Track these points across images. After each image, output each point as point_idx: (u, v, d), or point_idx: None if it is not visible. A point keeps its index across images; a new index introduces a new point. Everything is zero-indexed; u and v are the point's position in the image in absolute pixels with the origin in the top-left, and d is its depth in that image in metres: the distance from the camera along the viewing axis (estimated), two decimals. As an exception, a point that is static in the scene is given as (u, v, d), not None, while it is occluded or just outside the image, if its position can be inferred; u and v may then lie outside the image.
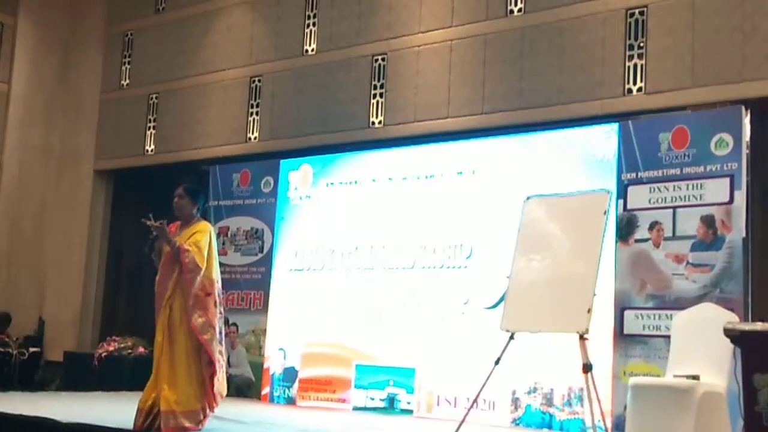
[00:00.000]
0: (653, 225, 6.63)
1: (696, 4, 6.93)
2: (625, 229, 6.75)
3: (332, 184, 8.76)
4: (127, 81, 11.21)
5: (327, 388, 8.29)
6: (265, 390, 8.73)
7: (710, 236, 6.34)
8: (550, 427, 6.83)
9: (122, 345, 9.85)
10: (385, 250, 8.19)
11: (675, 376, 5.12)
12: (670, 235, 6.55)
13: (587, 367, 5.40)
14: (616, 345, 6.62)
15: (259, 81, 9.78)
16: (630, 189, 6.79)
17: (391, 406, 7.81)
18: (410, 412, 7.67)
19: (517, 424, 6.99)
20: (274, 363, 8.75)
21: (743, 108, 6.47)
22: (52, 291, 11.34)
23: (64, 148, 11.60)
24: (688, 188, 6.52)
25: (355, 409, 8.00)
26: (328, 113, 9.06)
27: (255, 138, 9.71)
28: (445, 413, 7.39)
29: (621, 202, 6.78)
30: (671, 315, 6.09)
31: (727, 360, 4.97)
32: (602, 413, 5.67)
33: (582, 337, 5.45)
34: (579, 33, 7.52)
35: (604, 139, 7.04)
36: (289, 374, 8.61)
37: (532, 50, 7.76)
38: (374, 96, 8.78)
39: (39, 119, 11.48)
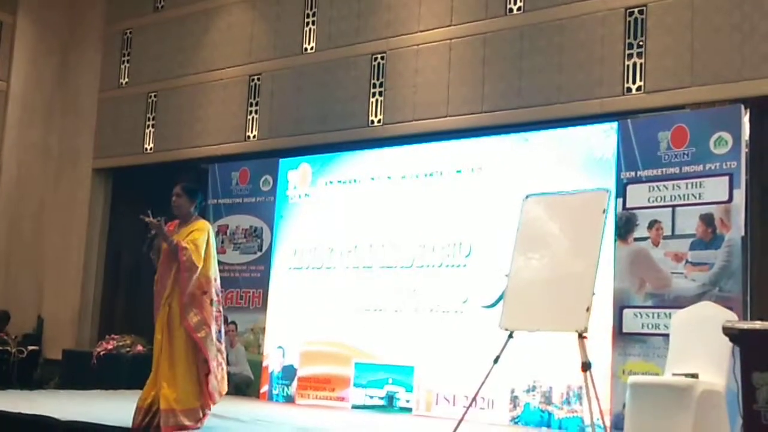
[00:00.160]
0: (652, 224, 6.63)
1: (695, 3, 6.93)
2: (624, 227, 6.75)
3: (331, 182, 8.76)
4: (126, 79, 11.21)
5: (326, 387, 8.29)
6: (264, 388, 8.73)
7: (709, 235, 6.34)
8: (548, 425, 6.84)
9: (121, 343, 9.85)
10: (384, 249, 8.19)
11: (674, 374, 5.12)
12: (669, 233, 6.55)
13: (586, 366, 5.40)
14: (615, 343, 6.63)
15: (259, 79, 9.77)
16: (629, 188, 6.79)
17: (390, 404, 7.81)
18: (409, 410, 7.68)
19: (516, 423, 7.00)
20: (273, 361, 8.76)
21: (742, 107, 6.46)
22: (51, 289, 11.34)
23: (63, 147, 11.59)
24: (687, 187, 6.52)
25: (354, 407, 8.00)
26: (327, 112, 9.06)
27: (254, 136, 9.71)
28: (444, 411, 7.39)
29: (620, 200, 6.78)
30: (670, 313, 6.09)
31: (726, 358, 4.98)
32: (601, 412, 5.67)
33: (581, 336, 5.45)
34: (578, 32, 7.52)
35: (604, 137, 7.04)
36: (288, 372, 8.61)
37: (532, 49, 7.77)
38: (373, 95, 8.78)
39: (38, 118, 11.47)
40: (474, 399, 6.01)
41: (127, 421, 5.50)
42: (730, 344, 3.97)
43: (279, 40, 9.65)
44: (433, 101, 8.31)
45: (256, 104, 9.75)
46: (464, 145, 7.97)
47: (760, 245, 6.56)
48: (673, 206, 6.57)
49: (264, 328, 8.87)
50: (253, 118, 9.75)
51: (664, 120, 6.81)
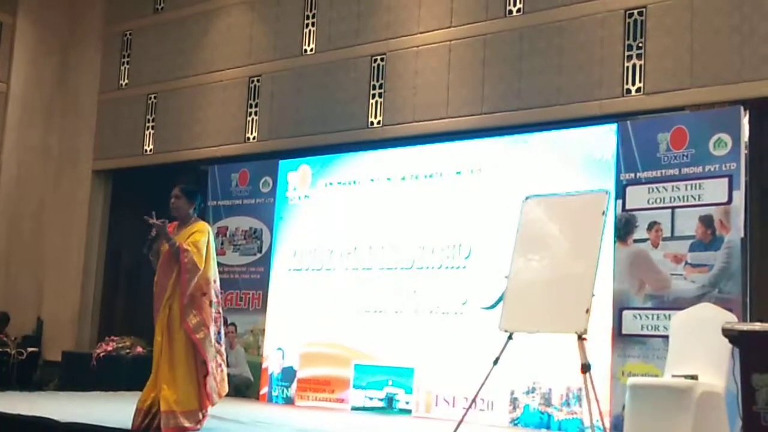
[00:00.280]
0: (652, 225, 6.63)
1: (695, 5, 6.93)
2: (624, 229, 6.75)
3: (331, 184, 8.76)
4: (126, 81, 11.21)
5: (325, 388, 8.29)
6: (264, 390, 8.72)
7: (709, 236, 6.34)
8: (548, 427, 6.83)
9: (120, 345, 9.85)
10: (384, 250, 8.19)
11: (673, 376, 5.12)
12: (669, 235, 6.55)
13: (586, 367, 5.40)
14: (614, 345, 6.62)
15: (258, 81, 9.78)
16: (629, 189, 6.79)
17: (389, 406, 7.81)
18: (409, 412, 7.67)
19: (516, 424, 6.99)
20: (272, 363, 8.75)
21: (742, 108, 6.46)
22: (50, 291, 11.34)
23: (63, 148, 11.60)
24: (686, 188, 6.52)
25: (354, 409, 8.00)
26: (327, 113, 9.06)
27: (254, 138, 9.71)
28: (443, 413, 7.38)
29: (620, 202, 6.78)
30: (670, 315, 6.10)
31: (726, 360, 4.98)
32: (600, 413, 5.67)
33: (580, 337, 5.45)
34: (578, 33, 7.52)
35: (603, 139, 7.04)
36: (288, 374, 8.61)
37: (531, 50, 7.77)
38: (373, 96, 8.78)
39: (38, 119, 11.47)
40: (474, 400, 6.01)
41: (126, 422, 5.50)
42: (730, 346, 3.98)
43: (279, 42, 9.66)
44: (432, 103, 8.31)
45: (256, 106, 9.75)
46: (464, 146, 7.97)
47: (760, 247, 6.56)
48: (673, 208, 6.57)
49: (264, 330, 8.87)
50: (252, 119, 9.75)
51: (663, 121, 6.81)
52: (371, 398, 7.94)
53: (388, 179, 8.33)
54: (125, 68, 11.24)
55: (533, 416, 6.93)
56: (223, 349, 5.79)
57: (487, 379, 5.72)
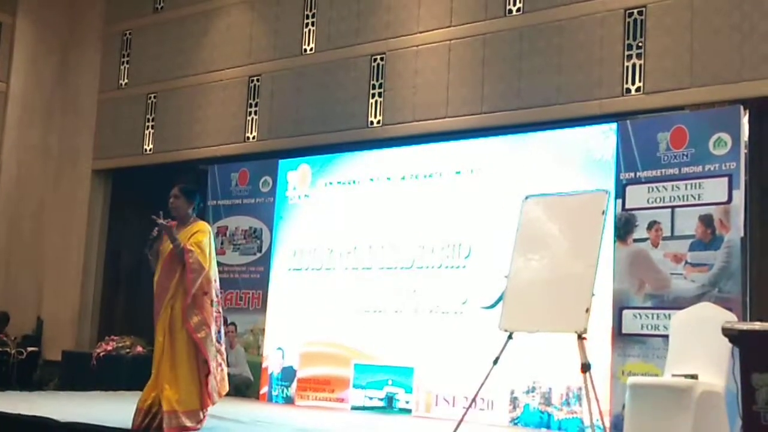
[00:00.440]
0: (651, 225, 6.63)
1: (695, 4, 6.93)
2: (624, 228, 6.75)
3: (331, 183, 8.76)
4: (126, 80, 11.21)
5: (325, 388, 8.29)
6: (264, 389, 8.73)
7: (709, 236, 6.34)
8: (548, 426, 6.84)
9: (120, 344, 9.85)
10: (384, 250, 8.19)
11: (673, 375, 5.12)
12: (669, 234, 6.55)
13: (585, 367, 5.40)
14: (614, 344, 6.63)
15: (258, 80, 9.77)
16: (628, 189, 6.79)
17: (389, 405, 7.81)
18: (409, 411, 7.67)
19: (516, 424, 7.00)
20: (272, 362, 8.75)
21: (742, 108, 6.46)
22: (50, 290, 11.34)
23: (63, 148, 11.59)
24: (686, 188, 6.52)
25: (354, 408, 8.00)
26: (326, 113, 9.06)
27: (254, 137, 9.71)
28: (443, 413, 7.39)
29: (619, 201, 6.78)
30: (669, 314, 6.10)
31: (726, 359, 4.98)
32: (600, 413, 5.68)
33: (580, 337, 5.45)
34: (577, 33, 7.52)
35: (603, 138, 7.04)
36: (288, 374, 8.61)
37: (531, 50, 7.77)
38: (373, 95, 8.78)
39: (37, 119, 11.47)
40: (473, 400, 6.01)
41: (127, 422, 5.50)
42: (730, 345, 3.98)
43: (278, 41, 9.65)
44: (432, 102, 8.31)
45: (256, 105, 9.75)
46: (463, 145, 7.97)
47: (760, 246, 6.56)
48: (673, 207, 6.57)
49: (263, 330, 8.87)
50: (252, 119, 9.75)
51: (663, 121, 6.81)
52: (371, 398, 7.95)
53: (388, 179, 8.33)
54: (125, 68, 11.24)
55: (533, 416, 6.93)
56: (223, 348, 5.80)
57: (487, 378, 5.72)
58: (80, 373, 9.68)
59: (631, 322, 6.59)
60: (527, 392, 6.99)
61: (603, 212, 5.81)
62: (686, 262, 6.41)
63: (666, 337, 5.89)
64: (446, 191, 7.91)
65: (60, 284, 11.24)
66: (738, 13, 6.71)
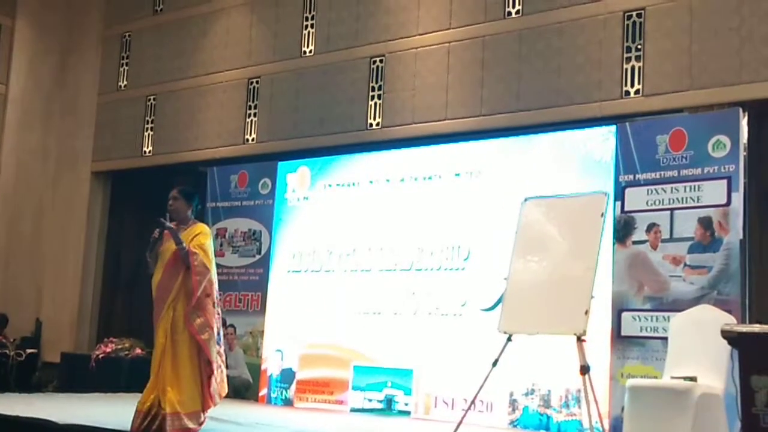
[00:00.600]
0: (651, 227, 6.63)
1: (694, 7, 6.94)
2: (623, 230, 6.75)
3: (330, 185, 8.76)
4: (125, 82, 11.21)
5: (324, 390, 8.29)
6: (263, 391, 8.72)
7: (708, 238, 6.34)
8: (547, 428, 6.83)
9: (119, 346, 9.84)
10: (383, 252, 8.19)
11: (672, 377, 5.13)
12: (668, 236, 6.55)
13: (585, 369, 5.40)
14: (613, 347, 6.63)
15: (257, 82, 9.78)
16: (627, 191, 6.80)
17: (388, 407, 7.81)
18: (408, 413, 7.67)
19: (515, 426, 6.99)
20: (271, 364, 8.75)
21: (741, 110, 6.47)
22: (49, 292, 11.33)
23: (62, 150, 11.59)
24: (685, 190, 6.52)
25: (353, 410, 8.00)
26: (326, 115, 9.07)
27: (253, 139, 9.71)
28: (442, 415, 7.38)
29: (618, 204, 6.78)
30: (669, 317, 6.11)
31: (725, 362, 4.99)
32: (600, 415, 5.67)
33: (579, 339, 5.45)
34: (577, 35, 7.53)
35: (602, 141, 7.05)
36: (287, 376, 8.61)
37: (530, 52, 7.77)
38: (372, 98, 8.78)
39: (37, 121, 11.47)
40: (473, 402, 6.01)
41: (126, 424, 5.50)
42: (729, 347, 3.98)
43: (278, 43, 9.66)
44: (431, 104, 8.32)
45: (255, 107, 9.75)
46: (463, 148, 7.97)
47: (759, 248, 6.57)
48: (672, 209, 6.57)
49: (263, 332, 8.87)
50: (251, 121, 9.75)
51: (662, 123, 6.82)
52: (370, 400, 7.94)
53: (387, 181, 8.33)
54: (124, 70, 11.24)
55: (532, 418, 6.93)
56: (222, 350, 5.81)
57: (487, 380, 5.73)
58: (79, 375, 9.68)
59: (630, 325, 6.59)
60: (526, 394, 6.99)
61: (602, 214, 5.82)
62: (685, 265, 6.41)
63: (665, 339, 5.89)
64: (445, 193, 7.91)
65: (59, 286, 11.24)
66: (737, 15, 6.72)
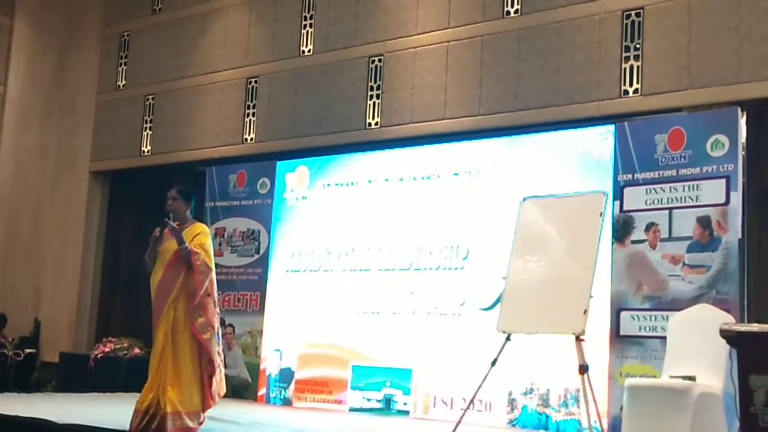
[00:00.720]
0: (649, 226, 6.63)
1: (692, 6, 6.94)
2: (621, 230, 6.76)
3: (329, 185, 8.76)
4: (124, 82, 11.20)
5: (323, 389, 8.29)
6: (262, 391, 8.72)
7: (706, 237, 6.34)
8: (546, 428, 6.84)
9: (118, 346, 9.84)
10: (382, 252, 8.19)
11: (671, 377, 5.13)
12: (667, 236, 6.55)
13: (583, 368, 5.40)
14: (612, 346, 6.63)
15: (256, 82, 9.77)
16: (626, 190, 6.80)
17: (387, 407, 7.81)
18: (407, 413, 7.67)
19: (514, 425, 6.99)
20: (270, 364, 8.75)
21: (739, 109, 6.47)
22: (48, 292, 11.33)
23: (61, 150, 11.58)
24: (684, 189, 6.52)
25: (352, 410, 8.00)
26: (324, 114, 9.06)
27: (251, 139, 9.70)
28: (441, 414, 7.39)
29: (617, 203, 6.78)
30: (667, 316, 6.11)
31: (723, 361, 4.99)
32: (598, 414, 5.68)
33: (578, 338, 5.46)
34: (575, 34, 7.53)
35: (601, 140, 7.05)
36: (286, 375, 8.60)
37: (529, 52, 7.77)
38: (371, 97, 8.78)
39: (35, 120, 11.46)
40: (471, 401, 6.01)
41: (124, 424, 5.50)
42: (728, 347, 3.98)
43: (276, 43, 9.65)
44: (430, 104, 8.31)
45: (254, 107, 9.75)
46: (461, 147, 7.97)
47: (757, 247, 6.57)
48: (670, 209, 6.57)
49: (261, 331, 8.86)
50: (250, 120, 9.75)
51: (661, 123, 6.82)
52: (369, 399, 7.94)
53: (386, 180, 8.33)
54: (123, 69, 11.24)
55: (531, 417, 6.93)
56: (220, 349, 5.81)
57: (485, 380, 5.73)
58: (78, 375, 9.67)
59: (629, 324, 6.59)
60: (525, 394, 6.99)
61: (601, 214, 5.82)
62: (684, 264, 6.42)
63: (664, 338, 5.90)
64: (444, 193, 7.91)
65: (58, 286, 11.23)
66: (735, 15, 6.72)
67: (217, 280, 5.91)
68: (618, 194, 6.80)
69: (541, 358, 6.74)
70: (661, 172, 6.66)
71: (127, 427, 5.45)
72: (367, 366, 8.03)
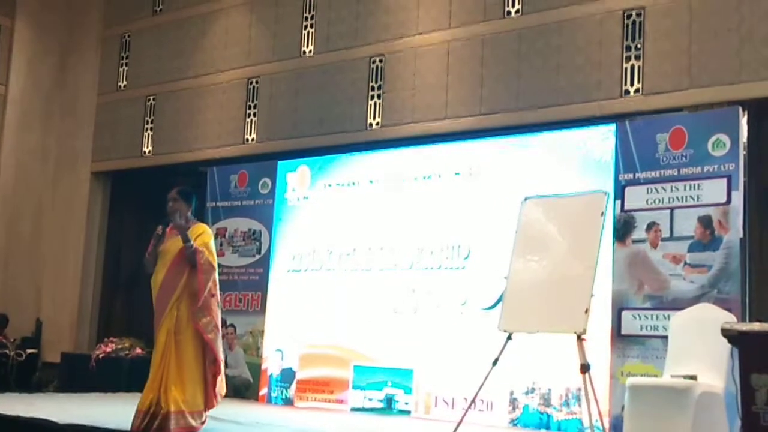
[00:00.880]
0: (651, 226, 6.63)
1: (693, 6, 6.94)
2: (623, 229, 6.76)
3: (330, 185, 8.77)
4: (125, 83, 11.21)
5: (325, 389, 8.29)
6: (263, 391, 8.72)
7: (708, 237, 6.34)
8: (547, 427, 6.84)
9: (119, 346, 9.85)
10: (383, 252, 8.19)
11: (672, 376, 5.13)
12: (668, 235, 6.55)
13: (585, 368, 5.40)
14: (613, 345, 6.63)
15: (257, 82, 9.78)
16: (627, 190, 6.80)
17: (388, 406, 7.81)
18: (408, 412, 7.67)
19: (515, 425, 7.00)
20: (271, 364, 8.75)
21: (740, 109, 6.47)
22: (49, 292, 11.34)
23: (62, 150, 11.59)
24: (685, 189, 6.52)
25: (353, 409, 8.00)
26: (325, 114, 9.07)
27: (253, 139, 9.71)
28: (442, 414, 7.39)
29: (618, 202, 6.78)
30: (669, 315, 6.11)
31: (725, 360, 4.99)
32: (600, 413, 5.67)
33: (579, 338, 5.45)
34: (576, 34, 7.53)
35: (602, 140, 7.05)
36: (287, 375, 8.61)
37: (530, 52, 7.77)
38: (372, 97, 8.78)
39: (36, 121, 11.47)
40: (473, 401, 6.01)
41: (126, 424, 5.50)
42: (729, 346, 3.98)
43: (277, 43, 9.66)
44: (431, 104, 8.32)
45: (255, 107, 9.76)
46: (462, 147, 7.97)
47: (759, 247, 6.57)
48: (672, 208, 6.57)
49: (263, 331, 8.87)
50: (251, 120, 9.75)
51: (662, 122, 6.82)
52: (370, 399, 7.94)
53: (387, 180, 8.33)
54: (124, 70, 11.24)
55: (533, 416, 6.94)
56: (222, 349, 5.81)
57: (487, 379, 5.73)
58: (79, 375, 9.68)
59: (631, 323, 6.59)
60: (527, 393, 6.99)
61: (602, 213, 5.82)
62: (685, 263, 6.42)
63: (665, 338, 5.90)
64: (445, 193, 7.91)
65: (59, 286, 11.24)
66: (736, 15, 6.72)
67: (219, 281, 5.92)
68: (619, 194, 6.80)
69: (542, 357, 6.74)
70: (662, 171, 6.67)
71: (129, 428, 5.46)
72: (368, 366, 8.03)
